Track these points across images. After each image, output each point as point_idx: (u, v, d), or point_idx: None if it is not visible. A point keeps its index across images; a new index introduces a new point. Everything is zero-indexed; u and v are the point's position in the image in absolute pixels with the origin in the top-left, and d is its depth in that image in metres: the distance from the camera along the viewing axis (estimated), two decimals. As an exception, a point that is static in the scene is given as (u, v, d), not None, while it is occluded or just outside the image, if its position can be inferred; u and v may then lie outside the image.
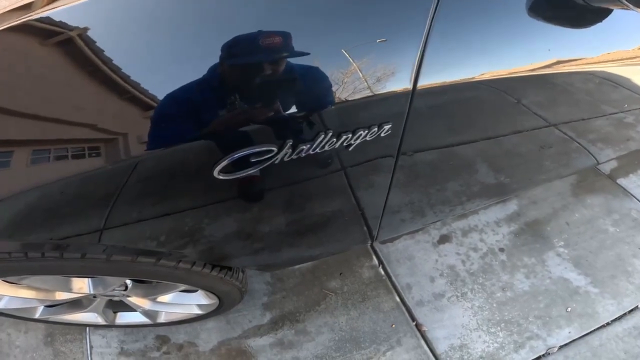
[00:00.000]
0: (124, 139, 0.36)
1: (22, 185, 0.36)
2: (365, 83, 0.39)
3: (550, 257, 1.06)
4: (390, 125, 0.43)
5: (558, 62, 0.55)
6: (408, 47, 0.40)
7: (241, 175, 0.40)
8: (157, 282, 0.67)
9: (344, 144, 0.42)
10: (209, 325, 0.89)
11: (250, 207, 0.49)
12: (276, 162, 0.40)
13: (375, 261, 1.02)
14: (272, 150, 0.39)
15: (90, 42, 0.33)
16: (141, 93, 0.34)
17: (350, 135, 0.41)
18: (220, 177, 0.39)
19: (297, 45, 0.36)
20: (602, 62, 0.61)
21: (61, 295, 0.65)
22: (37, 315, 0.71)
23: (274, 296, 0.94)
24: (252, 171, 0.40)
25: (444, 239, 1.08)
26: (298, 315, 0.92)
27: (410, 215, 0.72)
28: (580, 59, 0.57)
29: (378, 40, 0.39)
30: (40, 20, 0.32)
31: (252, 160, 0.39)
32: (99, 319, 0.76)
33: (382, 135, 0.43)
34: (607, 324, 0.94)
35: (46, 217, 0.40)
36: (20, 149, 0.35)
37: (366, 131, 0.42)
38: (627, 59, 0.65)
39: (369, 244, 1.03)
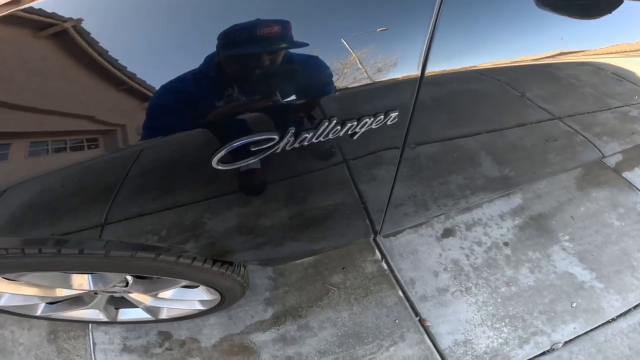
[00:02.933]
0: (122, 131, 0.34)
1: (21, 179, 0.34)
2: (372, 70, 0.37)
3: (555, 252, 1.04)
4: (396, 113, 0.41)
5: (565, 54, 0.53)
6: (415, 34, 0.38)
7: (242, 164, 0.38)
8: (158, 278, 0.65)
9: (349, 132, 0.40)
10: (211, 321, 0.87)
11: (252, 200, 0.47)
12: (277, 151, 0.38)
13: (378, 255, 1.01)
14: (273, 139, 0.37)
15: (85, 34, 0.32)
16: (138, 84, 0.33)
17: (355, 123, 0.40)
18: (219, 168, 0.38)
19: (300, 33, 0.34)
20: (608, 54, 0.60)
21: (62, 292, 0.63)
22: (38, 313, 0.70)
23: (276, 291, 0.93)
24: (253, 161, 0.38)
25: (447, 233, 1.06)
26: (300, 311, 0.90)
27: (414, 208, 0.70)
28: (587, 51, 0.55)
29: (378, 30, 0.37)
30: (32, 11, 0.31)
31: (253, 150, 0.37)
32: (100, 316, 0.75)
33: (389, 123, 0.41)
34: (612, 319, 0.92)
35: (46, 213, 0.39)
36: (18, 141, 0.33)
37: (372, 119, 0.40)
38: (633, 51, 0.63)
39: (372, 238, 1.01)
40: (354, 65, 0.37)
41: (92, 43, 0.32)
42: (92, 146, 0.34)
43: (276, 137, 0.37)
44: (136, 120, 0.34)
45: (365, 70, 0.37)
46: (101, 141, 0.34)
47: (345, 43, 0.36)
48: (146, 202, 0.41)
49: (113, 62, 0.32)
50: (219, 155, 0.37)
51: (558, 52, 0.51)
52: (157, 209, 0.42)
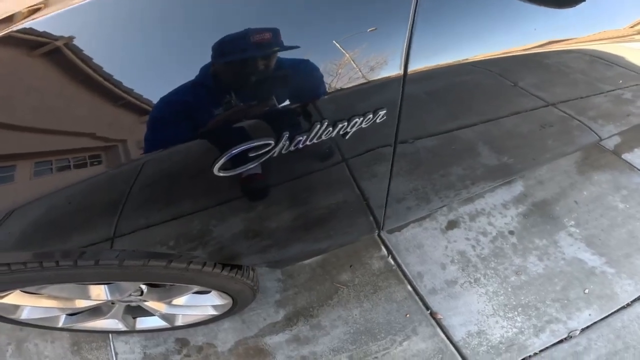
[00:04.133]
0: (123, 145, 0.34)
1: (28, 198, 0.34)
2: (357, 71, 0.37)
3: (562, 238, 0.99)
4: (384, 111, 0.40)
5: (553, 43, 0.50)
6: (395, 33, 0.37)
7: (241, 170, 0.38)
8: (171, 285, 0.64)
9: (341, 132, 0.39)
10: (225, 325, 0.85)
11: (255, 205, 0.46)
12: (274, 155, 0.38)
13: (384, 251, 0.97)
14: (269, 144, 0.37)
15: (77, 51, 0.31)
16: (135, 98, 0.32)
17: (346, 124, 0.39)
18: (221, 175, 0.37)
19: (287, 38, 0.33)
20: (595, 41, 0.57)
21: (81, 303, 0.63)
22: (60, 324, 0.70)
23: (286, 293, 0.90)
24: (252, 166, 0.38)
25: (452, 225, 1.02)
26: (311, 310, 0.87)
27: (416, 202, 0.68)
28: (575, 39, 0.53)
29: (369, 30, 0.37)
30: (24, 31, 0.31)
31: (251, 155, 0.37)
32: (119, 325, 0.74)
33: (378, 121, 0.41)
34: (628, 304, 0.86)
35: (56, 228, 0.38)
36: (22, 162, 0.33)
37: (361, 118, 0.39)
38: (620, 37, 0.61)
39: (377, 234, 0.98)
40: (340, 68, 0.36)
41: (86, 60, 0.31)
42: (95, 162, 0.33)
43: (272, 141, 0.37)
44: (136, 134, 0.33)
45: (350, 72, 0.36)
46: (104, 157, 0.33)
47: (337, 45, 0.35)
48: (154, 212, 0.40)
49: (108, 77, 0.32)
50: (220, 162, 0.36)
51: (545, 41, 0.49)
52: (167, 218, 0.41)
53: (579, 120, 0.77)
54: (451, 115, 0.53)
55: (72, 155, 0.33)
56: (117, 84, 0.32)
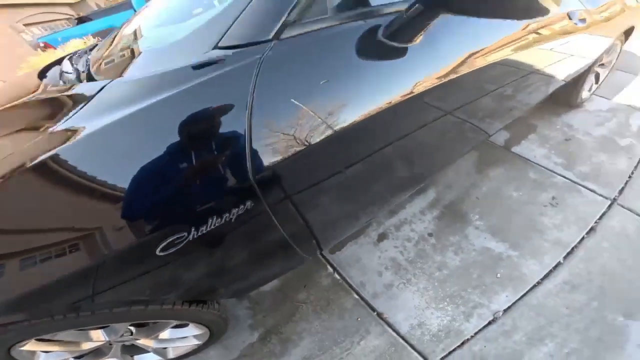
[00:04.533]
0: (100, 232, 0.46)
1: (20, 288, 0.43)
2: (219, 179, 0.50)
3: (471, 232, 1.09)
4: (249, 202, 0.54)
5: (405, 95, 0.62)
6: (236, 148, 0.49)
7: (175, 250, 0.54)
8: (154, 323, 0.74)
9: (227, 219, 0.55)
10: (211, 353, 0.95)
11: (204, 257, 0.61)
12: (190, 239, 0.53)
13: (330, 269, 1.09)
14: (183, 235, 0.53)
15: (62, 163, 0.42)
16: (113, 190, 0.43)
17: (228, 214, 0.55)
18: (162, 254, 0.54)
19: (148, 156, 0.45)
20: (481, 55, 0.68)
21: (85, 346, 0.70)
22: (69, 367, 0.78)
23: (256, 317, 1.02)
24: (178, 248, 0.54)
25: (382, 237, 1.14)
26: (280, 328, 0.98)
27: (345, 221, 0.79)
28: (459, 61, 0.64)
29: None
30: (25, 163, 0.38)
31: (176, 242, 0.53)
32: (120, 364, 0.82)
33: (249, 208, 0.55)
34: (538, 283, 0.93)
35: (56, 295, 0.48)
36: (8, 261, 0.40)
37: (237, 209, 0.54)
38: (499, 47, 0.72)
39: (319, 253, 1.06)
40: (209, 179, 0.49)
41: (70, 169, 0.41)
42: (75, 250, 0.44)
43: (185, 234, 0.53)
44: (111, 222, 0.45)
45: (215, 180, 0.50)
46: (82, 245, 0.44)
47: (190, 158, 0.46)
48: (128, 271, 0.55)
49: (93, 179, 0.43)
50: (159, 248, 0.53)
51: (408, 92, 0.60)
52: (134, 277, 0.54)
53: (470, 123, 0.86)
54: (335, 163, 0.61)
55: (56, 247, 0.41)
56: (92, 178, 0.42)
